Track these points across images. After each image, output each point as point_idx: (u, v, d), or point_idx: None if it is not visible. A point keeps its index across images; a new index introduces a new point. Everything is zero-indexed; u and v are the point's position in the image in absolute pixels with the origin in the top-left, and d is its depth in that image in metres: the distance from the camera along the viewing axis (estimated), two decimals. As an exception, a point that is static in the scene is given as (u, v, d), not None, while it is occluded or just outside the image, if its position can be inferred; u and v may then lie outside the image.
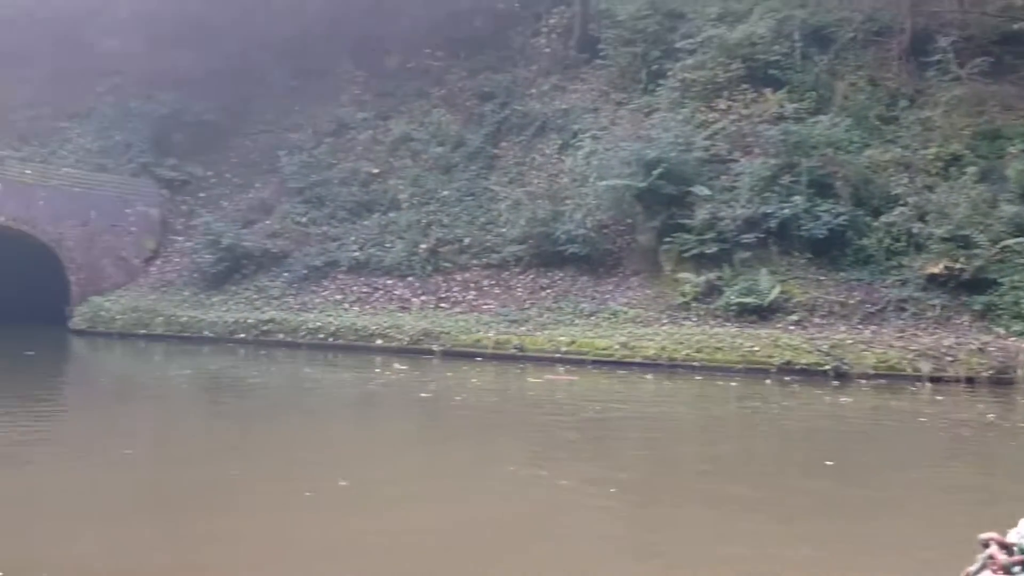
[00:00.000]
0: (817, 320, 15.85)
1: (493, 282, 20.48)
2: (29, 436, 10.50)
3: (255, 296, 21.84)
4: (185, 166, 25.87)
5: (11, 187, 23.04)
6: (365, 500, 7.55)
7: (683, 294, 17.66)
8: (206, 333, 20.47)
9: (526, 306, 19.26)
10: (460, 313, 19.61)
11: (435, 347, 17.97)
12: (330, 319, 19.89)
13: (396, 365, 16.80)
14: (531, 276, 20.22)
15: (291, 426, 11.35)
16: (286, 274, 22.17)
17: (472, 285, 20.63)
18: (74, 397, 15.07)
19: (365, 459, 9.41)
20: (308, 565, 5.93)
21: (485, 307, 19.70)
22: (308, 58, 27.49)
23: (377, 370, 16.54)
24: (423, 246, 21.55)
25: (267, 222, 23.70)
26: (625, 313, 17.91)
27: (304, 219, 23.45)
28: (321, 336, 19.41)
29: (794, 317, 16.00)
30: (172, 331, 20.82)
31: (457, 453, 9.70)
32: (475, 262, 21.10)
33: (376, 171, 24.11)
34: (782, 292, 16.43)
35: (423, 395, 14.10)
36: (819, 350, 14.46)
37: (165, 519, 7.14)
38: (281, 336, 19.84)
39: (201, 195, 25.65)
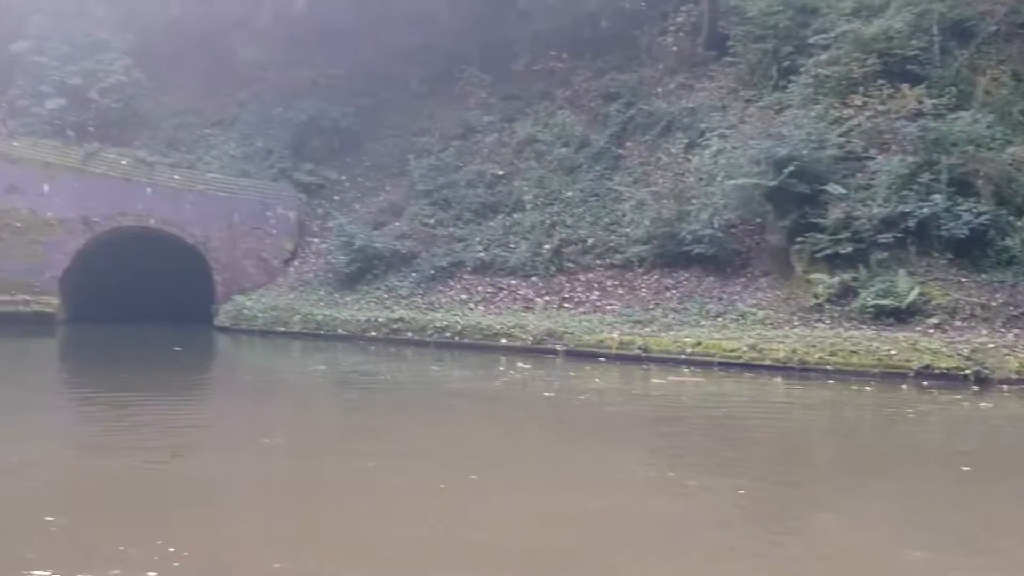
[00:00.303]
0: (958, 323, 15.09)
1: (617, 282, 20.43)
2: (179, 424, 11.23)
3: (385, 295, 22.51)
4: (321, 170, 26.91)
5: (160, 192, 24.57)
6: (497, 493, 7.72)
7: (816, 295, 17.14)
8: (340, 331, 21.24)
9: (650, 307, 19.13)
10: (583, 313, 19.66)
11: (558, 347, 18.08)
12: (456, 318, 20.30)
13: (520, 364, 17.02)
14: (655, 276, 20.06)
15: (420, 421, 11.69)
16: (414, 274, 22.75)
17: (596, 285, 20.64)
18: (219, 389, 15.97)
19: (493, 455, 9.61)
20: (449, 554, 6.13)
21: (609, 307, 19.68)
22: (437, 64, 28.11)
23: (501, 368, 16.80)
24: (547, 246, 21.70)
25: (397, 224, 24.38)
26: (754, 315, 17.54)
27: (431, 220, 24.01)
28: (448, 335, 19.84)
29: (933, 320, 15.27)
30: (308, 329, 21.71)
31: (581, 452, 9.77)
32: (599, 262, 21.10)
33: (501, 173, 24.45)
34: (921, 294, 15.73)
35: (547, 394, 14.25)
36: (959, 354, 13.77)
37: (309, 507, 7.52)
38: (409, 334, 20.38)
39: (335, 198, 26.63)
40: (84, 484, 8.21)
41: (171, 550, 5.86)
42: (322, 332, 21.47)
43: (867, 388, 13.74)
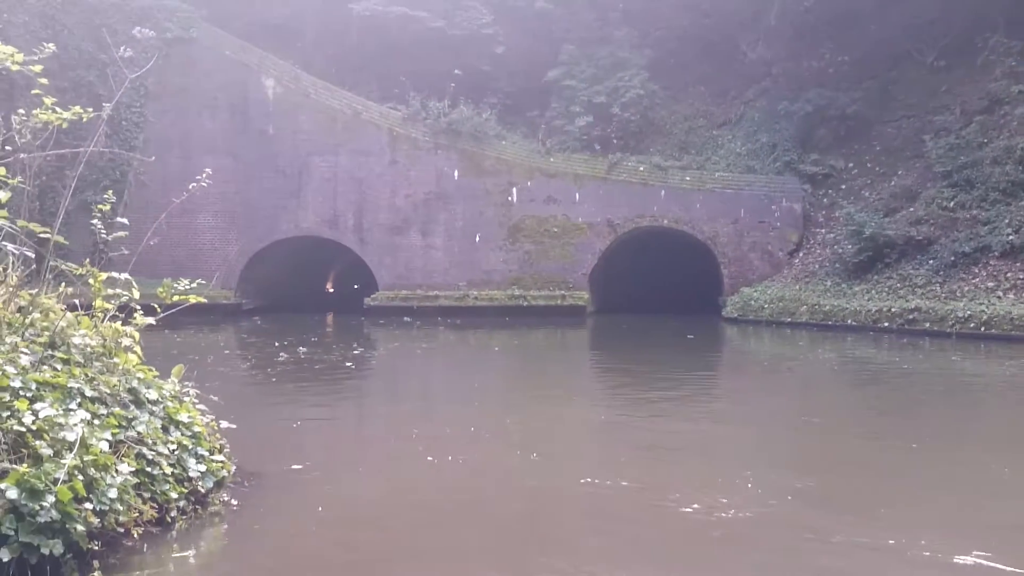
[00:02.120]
0: None
1: None
2: (695, 394, 12.18)
3: (898, 285, 21.40)
4: (827, 160, 26.46)
5: (673, 193, 26.37)
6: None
7: None
8: (849, 321, 20.77)
9: None
10: None
11: (1114, 340, 15.59)
12: (982, 308, 18.58)
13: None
14: None
15: (951, 418, 10.99)
16: (931, 261, 21.26)
17: None
18: (729, 373, 16.76)
19: None
20: None
21: None
22: (954, 35, 25.85)
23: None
24: (1098, 226, 18.73)
25: (911, 209, 22.99)
26: None
27: (951, 203, 22.19)
28: (972, 326, 18.29)
29: None
30: (815, 319, 21.58)
31: None
32: None
33: (1036, 146, 21.63)
34: None
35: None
36: None
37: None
38: (927, 325, 19.18)
39: (842, 187, 25.96)
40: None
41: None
42: (829, 323, 21.20)
43: None
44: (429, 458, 7.90)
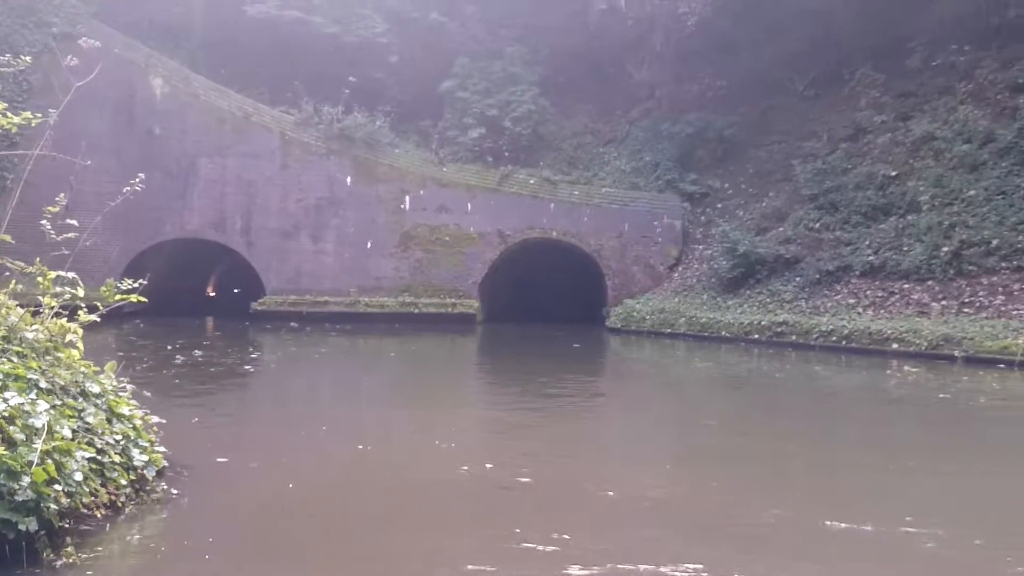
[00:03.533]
0: None
1: (1025, 286, 18.92)
2: (583, 397, 12.91)
3: (768, 300, 22.92)
4: (705, 180, 28.03)
5: (561, 206, 27.33)
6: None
7: None
8: (723, 333, 22.10)
9: (1067, 312, 17.50)
10: (986, 319, 18.50)
11: (956, 353, 17.28)
12: (843, 323, 20.16)
13: (906, 367, 16.61)
14: (1074, 280, 18.27)
15: (807, 421, 12.15)
16: (798, 279, 22.88)
17: (1000, 289, 19.25)
18: (613, 379, 17.67)
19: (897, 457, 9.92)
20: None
21: (1015, 312, 18.29)
22: (825, 67, 27.89)
23: (888, 372, 16.49)
24: (945, 249, 20.64)
25: (780, 229, 24.65)
26: None
27: (817, 225, 23.94)
28: (834, 339, 19.80)
29: None
30: (693, 330, 22.84)
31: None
32: (1004, 265, 19.65)
33: (894, 174, 23.61)
34: None
35: (941, 396, 13.89)
36: None
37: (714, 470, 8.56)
38: (793, 338, 20.64)
39: (719, 206, 27.54)
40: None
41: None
42: (705, 334, 22.47)
43: None
44: (341, 450, 8.65)
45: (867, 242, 22.49)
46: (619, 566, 5.23)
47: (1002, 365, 16.27)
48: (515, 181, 27.75)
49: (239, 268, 29.35)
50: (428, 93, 30.43)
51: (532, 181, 27.73)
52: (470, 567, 5.21)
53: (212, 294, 37.03)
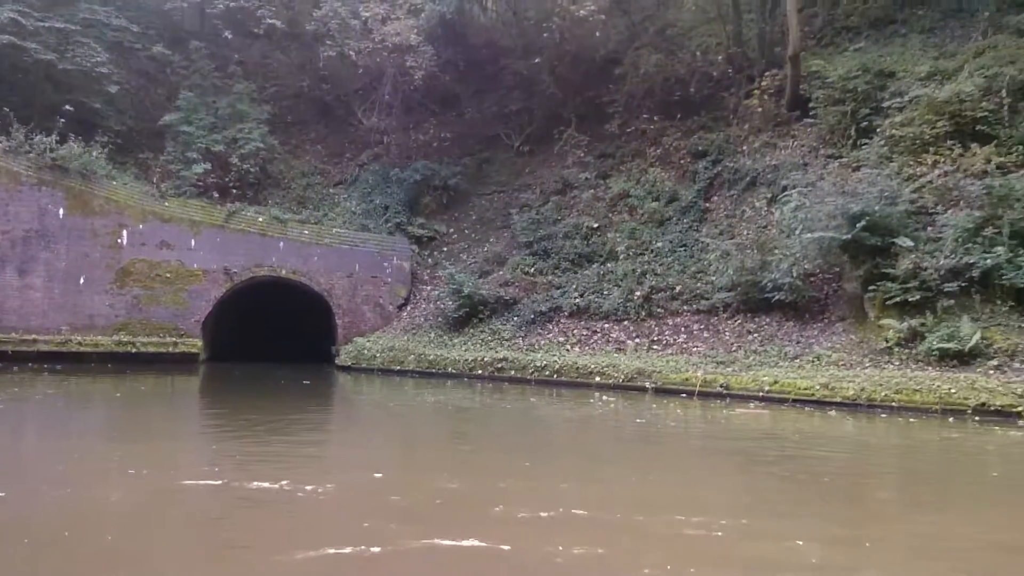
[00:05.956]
0: (1016, 365, 16.27)
1: (702, 326, 22.17)
2: (303, 442, 13.53)
3: (490, 338, 24.74)
4: (432, 224, 29.62)
5: (291, 245, 27.58)
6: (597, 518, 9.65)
7: (886, 339, 18.50)
8: (449, 369, 23.53)
9: (733, 349, 20.77)
10: (671, 354, 21.43)
11: (647, 384, 19.90)
12: (554, 358, 22.33)
13: (605, 397, 18.94)
14: (739, 321, 21.71)
15: (522, 443, 13.69)
16: (516, 318, 24.96)
17: (683, 329, 22.40)
18: (341, 414, 18.36)
19: (581, 475, 11.53)
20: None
21: (695, 349, 21.39)
22: (537, 126, 30.66)
23: (591, 401, 18.67)
24: (638, 293, 23.61)
25: (500, 272, 26.72)
26: (828, 356, 18.99)
27: (532, 269, 26.26)
28: (547, 373, 21.87)
29: (994, 362, 16.51)
30: (421, 367, 24.06)
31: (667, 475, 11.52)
32: (686, 308, 22.89)
33: (596, 225, 26.56)
34: (983, 338, 16.96)
35: (638, 420, 16.06)
36: (1014, 393, 15.01)
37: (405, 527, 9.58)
38: (512, 373, 22.48)
39: (445, 249, 29.21)
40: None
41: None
42: (433, 371, 23.78)
43: (926, 423, 15.04)
44: (83, 484, 8.80)
45: (574, 286, 25.05)
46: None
47: (684, 395, 19.03)
48: (243, 218, 27.58)
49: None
50: (149, 125, 29.49)
51: (261, 219, 27.72)
52: None
53: None
